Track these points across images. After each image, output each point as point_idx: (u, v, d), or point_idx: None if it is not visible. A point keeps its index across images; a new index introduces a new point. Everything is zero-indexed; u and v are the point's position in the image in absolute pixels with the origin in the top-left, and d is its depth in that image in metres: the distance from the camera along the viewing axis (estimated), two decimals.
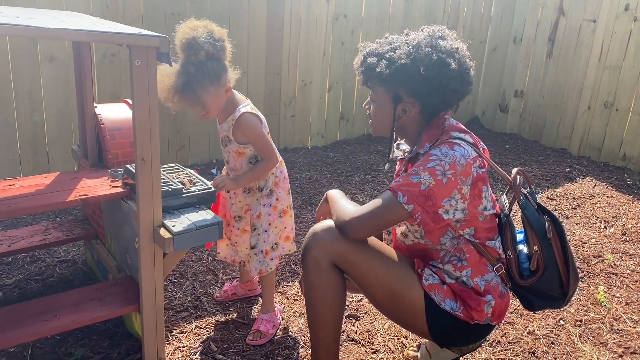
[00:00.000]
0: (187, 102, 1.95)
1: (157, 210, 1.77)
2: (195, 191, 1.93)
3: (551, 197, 3.86)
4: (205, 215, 1.86)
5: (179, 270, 2.60)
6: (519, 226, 1.71)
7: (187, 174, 2.08)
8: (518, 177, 1.66)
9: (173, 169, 2.13)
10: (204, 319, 2.24)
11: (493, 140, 5.29)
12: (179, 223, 1.79)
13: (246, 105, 2.02)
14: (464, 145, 1.57)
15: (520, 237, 1.71)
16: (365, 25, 4.79)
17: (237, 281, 2.43)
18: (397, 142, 1.88)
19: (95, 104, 2.29)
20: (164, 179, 1.96)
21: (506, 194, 1.74)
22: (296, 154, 4.45)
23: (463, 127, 1.69)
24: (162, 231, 1.76)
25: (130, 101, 2.40)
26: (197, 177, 2.04)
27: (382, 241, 1.87)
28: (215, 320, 2.23)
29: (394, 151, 1.82)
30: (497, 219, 1.69)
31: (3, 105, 3.25)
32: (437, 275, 1.65)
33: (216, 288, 2.47)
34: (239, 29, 4.05)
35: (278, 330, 2.19)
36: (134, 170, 2.01)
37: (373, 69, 1.63)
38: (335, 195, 1.78)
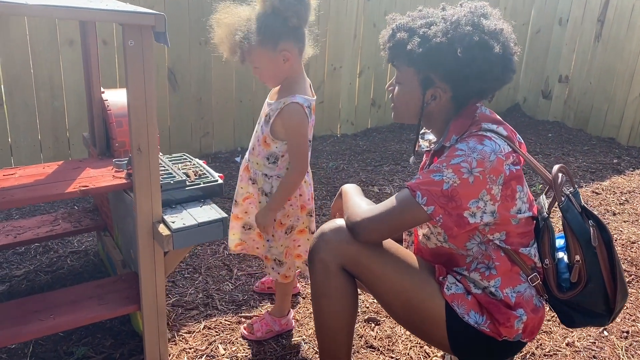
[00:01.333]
0: (243, 54, 1.75)
1: (156, 205, 1.64)
2: (200, 183, 1.78)
3: (596, 191, 3.58)
4: (209, 210, 1.71)
5: (192, 264, 2.48)
6: (559, 230, 1.50)
7: (194, 164, 1.94)
8: (560, 175, 1.45)
9: (180, 159, 1.99)
10: (214, 319, 2.10)
11: (534, 129, 4.99)
12: (180, 219, 1.65)
13: (307, 98, 1.77)
14: (496, 139, 1.37)
15: (560, 242, 1.50)
16: (399, 6, 4.55)
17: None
18: (422, 131, 1.69)
19: (102, 89, 2.17)
20: (167, 170, 1.82)
21: (546, 194, 1.53)
22: (324, 142, 4.28)
23: (497, 117, 1.48)
24: (161, 227, 1.62)
25: None
26: (204, 169, 1.90)
27: (402, 242, 1.69)
28: (226, 320, 2.10)
29: (419, 142, 1.63)
30: (533, 223, 1.48)
31: (23, 91, 3.18)
32: (461, 284, 1.46)
33: (230, 284, 2.33)
34: None
35: (292, 334, 2.04)
36: None
37: (403, 45, 1.44)
38: (350, 190, 1.60)
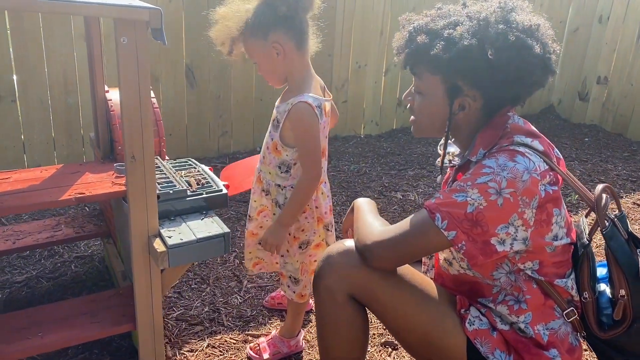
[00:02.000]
0: (234, 45, 1.64)
1: (152, 218, 1.50)
2: (202, 194, 1.64)
3: (638, 202, 3.33)
4: (210, 224, 1.57)
5: (200, 274, 2.34)
6: (601, 257, 1.31)
7: (198, 172, 1.80)
8: (604, 196, 1.27)
9: (184, 166, 1.86)
10: (219, 336, 1.97)
11: (570, 132, 4.73)
12: (177, 233, 1.51)
13: (318, 98, 1.62)
14: (530, 155, 1.19)
15: (602, 272, 1.31)
16: (429, 1, 4.34)
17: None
18: (441, 142, 1.52)
19: (107, 88, 2.05)
20: (168, 177, 1.68)
21: (587, 216, 1.35)
22: (346, 143, 4.11)
23: (532, 128, 1.30)
24: (157, 243, 1.48)
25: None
26: (209, 177, 1.76)
27: (421, 265, 1.52)
28: (232, 339, 1.96)
29: (443, 156, 1.45)
30: (571, 250, 1.30)
31: (36, 87, 3.10)
32: (485, 318, 1.29)
33: (238, 297, 2.19)
34: None
35: (301, 357, 1.89)
36: None
37: (425, 51, 1.26)
38: (362, 206, 1.44)
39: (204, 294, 2.22)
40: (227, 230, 1.53)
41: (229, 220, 2.85)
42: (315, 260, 1.80)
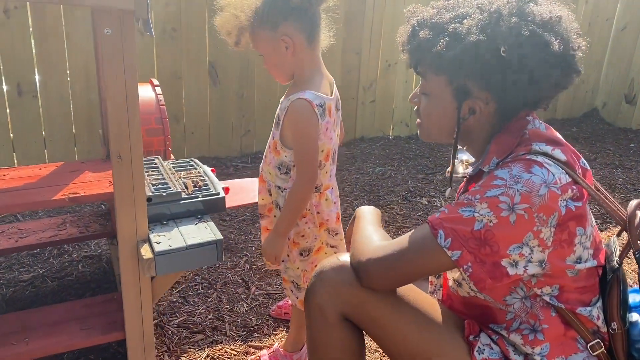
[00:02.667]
0: (242, 35, 1.53)
1: (140, 221, 1.41)
2: (198, 197, 1.54)
3: None
4: (203, 230, 1.46)
5: (208, 278, 2.25)
6: (634, 282, 1.15)
7: (198, 172, 1.70)
8: (638, 213, 1.10)
9: (185, 166, 1.76)
10: (220, 346, 1.87)
11: (614, 138, 4.45)
12: (167, 239, 1.42)
13: (320, 95, 1.49)
14: (549, 166, 1.04)
15: (635, 299, 1.15)
16: None
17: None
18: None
19: None
20: (164, 179, 1.59)
21: (618, 236, 1.18)
22: (373, 145, 3.96)
23: (555, 134, 1.15)
24: (144, 249, 1.39)
25: (156, 81, 2.07)
26: (208, 179, 1.66)
27: (428, 284, 1.38)
28: (233, 350, 1.85)
29: (452, 166, 1.31)
30: (598, 274, 1.13)
31: (58, 83, 3.07)
32: (497, 347, 1.14)
33: (245, 305, 2.09)
34: None
35: None
36: None
37: (428, 48, 1.11)
38: (364, 215, 1.31)
39: (209, 299, 2.12)
40: (220, 237, 1.43)
41: (244, 222, 2.75)
42: (316, 266, 1.68)
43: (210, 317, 2.02)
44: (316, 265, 1.64)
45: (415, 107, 1.23)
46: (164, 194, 1.49)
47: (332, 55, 3.76)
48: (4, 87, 2.98)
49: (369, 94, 4.01)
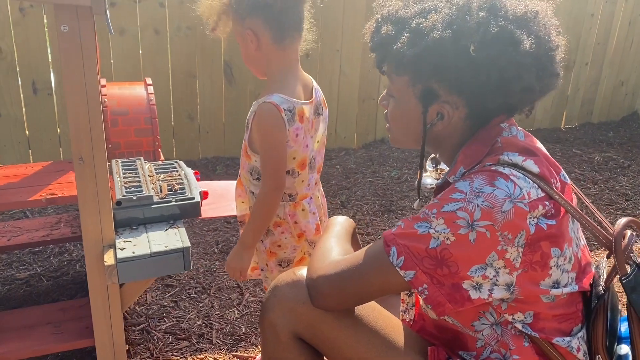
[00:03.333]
0: (220, 21, 1.47)
1: (106, 226, 1.36)
2: (171, 201, 1.48)
3: None
4: (172, 236, 1.40)
5: (202, 283, 2.20)
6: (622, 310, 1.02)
7: (179, 175, 1.64)
8: (628, 233, 0.98)
9: (167, 168, 1.70)
10: (203, 355, 1.80)
11: None
12: (132, 245, 1.36)
13: (289, 99, 1.39)
14: (516, 178, 0.92)
15: (625, 328, 1.02)
16: None
17: None
18: (431, 156, 1.26)
19: (104, 82, 1.93)
20: (139, 182, 1.54)
21: (609, 258, 1.06)
22: (392, 147, 3.84)
23: (531, 143, 1.03)
24: (107, 255, 1.34)
25: (149, 80, 2.02)
26: (187, 182, 1.59)
27: (400, 303, 1.27)
28: (216, 359, 1.79)
29: (425, 174, 1.20)
30: (581, 300, 1.01)
31: None
32: None
33: (236, 312, 2.02)
34: None
35: None
36: (113, 166, 1.63)
37: (388, 44, 1.02)
38: (332, 227, 1.22)
39: (201, 304, 2.07)
40: (187, 244, 1.36)
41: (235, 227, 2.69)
42: None
43: (198, 323, 1.96)
44: None
45: (385, 112, 1.13)
46: (135, 197, 1.43)
47: (352, 54, 3.66)
48: (20, 84, 3.02)
49: None
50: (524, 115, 1.07)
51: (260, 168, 1.43)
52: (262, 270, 1.60)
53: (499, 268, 0.91)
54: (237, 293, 2.15)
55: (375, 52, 1.07)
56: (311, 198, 1.54)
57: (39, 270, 2.25)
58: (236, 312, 2.03)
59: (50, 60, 3.04)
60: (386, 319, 1.07)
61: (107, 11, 1.18)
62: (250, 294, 2.14)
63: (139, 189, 1.48)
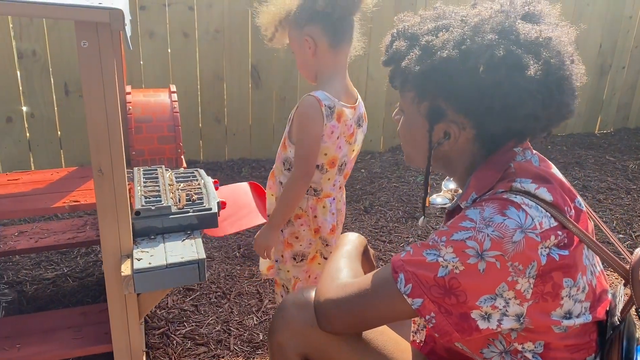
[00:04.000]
0: (277, 32, 1.60)
1: (124, 235, 1.38)
2: (189, 211, 1.49)
3: None
4: (188, 248, 1.42)
5: (223, 287, 2.22)
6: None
7: (198, 184, 1.65)
8: None
9: (188, 177, 1.72)
10: None
11: None
12: (149, 256, 1.38)
13: (331, 97, 1.50)
14: (529, 208, 0.90)
15: (638, 357, 0.99)
16: None
17: None
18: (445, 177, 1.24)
19: (129, 89, 1.97)
20: (158, 191, 1.56)
21: (626, 286, 1.02)
22: None
23: (546, 170, 1.00)
24: (125, 265, 1.36)
25: (174, 88, 2.05)
26: (206, 192, 1.61)
27: (412, 324, 1.26)
28: None
29: (432, 195, 1.19)
30: (595, 329, 0.98)
31: None
32: None
33: (254, 318, 2.04)
34: None
35: None
36: (135, 174, 1.65)
37: (398, 59, 1.02)
38: (343, 244, 1.21)
39: (220, 310, 2.09)
40: (202, 256, 1.37)
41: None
42: (309, 276, 1.69)
43: (217, 329, 1.98)
44: (309, 275, 1.66)
45: (398, 128, 1.13)
46: (153, 207, 1.45)
47: (379, 56, 3.62)
48: (52, 86, 3.09)
49: None
50: (542, 138, 1.05)
51: (295, 153, 1.53)
52: (276, 261, 1.67)
53: (509, 299, 0.89)
54: (256, 299, 2.16)
55: (387, 66, 1.07)
56: (334, 199, 1.62)
57: (65, 271, 2.30)
58: (255, 318, 2.04)
59: None
60: (395, 343, 1.06)
61: (127, 27, 1.20)
62: (269, 300, 2.15)
63: (158, 198, 1.50)
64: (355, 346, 1.03)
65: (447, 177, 1.28)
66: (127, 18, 1.20)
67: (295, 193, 1.55)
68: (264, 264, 1.77)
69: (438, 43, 0.95)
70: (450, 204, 1.09)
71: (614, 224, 2.85)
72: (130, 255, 1.39)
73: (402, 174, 3.41)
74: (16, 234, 2.08)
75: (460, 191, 1.18)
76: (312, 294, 1.07)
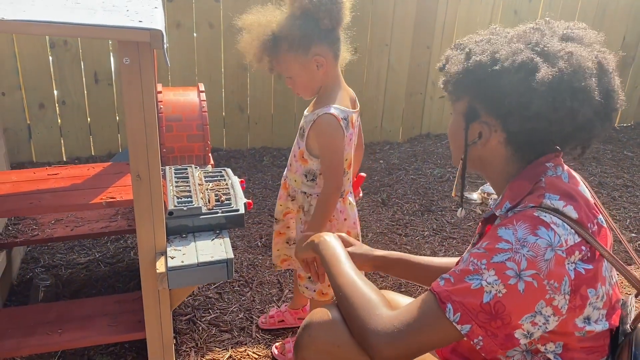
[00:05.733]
0: (272, 61, 1.63)
1: (158, 235, 1.49)
2: (218, 212, 1.60)
3: None
4: (217, 247, 1.52)
5: (245, 276, 2.34)
6: None
7: (226, 185, 1.76)
8: None
9: (215, 176, 1.82)
10: (243, 348, 1.94)
11: None
12: (182, 254, 1.49)
13: (344, 109, 1.61)
14: (557, 227, 0.98)
15: None
16: None
17: (286, 306, 2.09)
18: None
19: (160, 88, 2.06)
20: (189, 192, 1.66)
21: (637, 297, 1.12)
22: (438, 142, 3.87)
23: (573, 187, 1.07)
24: (159, 262, 1.47)
25: (202, 87, 2.14)
26: (233, 193, 1.71)
27: None
28: (255, 353, 1.93)
29: (468, 195, 1.27)
30: (609, 334, 1.08)
31: None
32: None
33: (276, 307, 2.15)
34: None
35: None
36: (167, 173, 1.76)
37: (445, 63, 1.15)
38: (338, 254, 1.25)
39: (243, 298, 2.21)
40: (231, 256, 1.48)
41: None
42: None
43: (240, 317, 2.10)
44: None
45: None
46: (185, 208, 1.56)
47: (402, 49, 3.68)
48: (83, 75, 3.20)
49: (438, 90, 3.90)
50: (573, 158, 1.14)
51: (322, 171, 1.65)
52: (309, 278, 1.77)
53: (548, 316, 0.97)
54: (277, 289, 2.28)
55: (441, 71, 1.17)
56: (351, 192, 1.77)
57: (97, 256, 2.44)
58: (275, 307, 2.16)
59: (111, 52, 3.21)
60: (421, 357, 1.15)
61: (166, 46, 1.28)
62: (290, 290, 2.26)
63: (189, 199, 1.61)
64: None
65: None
66: (165, 37, 1.29)
67: (332, 204, 1.67)
68: (277, 257, 1.91)
69: (478, 50, 1.05)
70: (485, 214, 1.17)
71: (627, 222, 2.90)
72: (164, 253, 1.50)
73: (420, 166, 3.48)
74: (52, 222, 2.20)
75: (493, 195, 1.27)
76: (336, 313, 1.14)
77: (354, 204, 1.79)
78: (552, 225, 0.98)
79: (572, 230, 0.99)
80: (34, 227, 2.16)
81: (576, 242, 0.98)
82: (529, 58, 1.00)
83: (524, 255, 0.96)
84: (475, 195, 1.35)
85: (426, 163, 3.53)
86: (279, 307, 2.15)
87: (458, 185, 1.24)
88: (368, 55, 3.59)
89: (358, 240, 1.76)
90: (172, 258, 1.46)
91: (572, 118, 1.03)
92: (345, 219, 1.74)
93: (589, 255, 0.99)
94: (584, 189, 1.11)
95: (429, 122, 3.99)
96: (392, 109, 3.85)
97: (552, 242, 0.96)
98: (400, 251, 2.54)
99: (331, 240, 1.30)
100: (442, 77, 1.17)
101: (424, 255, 2.52)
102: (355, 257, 1.32)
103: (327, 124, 1.58)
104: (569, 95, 1.01)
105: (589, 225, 1.03)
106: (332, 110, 1.57)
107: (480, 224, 1.27)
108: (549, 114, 1.01)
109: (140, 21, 1.29)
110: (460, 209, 1.32)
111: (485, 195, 1.35)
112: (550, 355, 1.05)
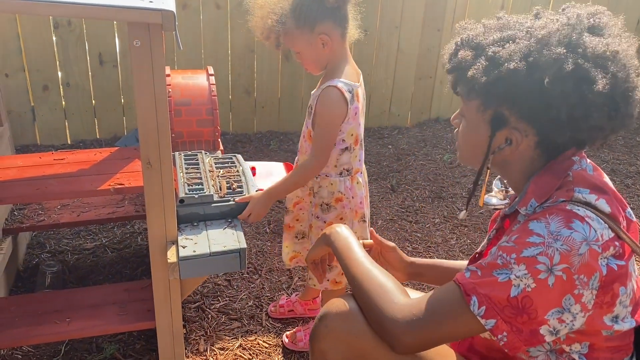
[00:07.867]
0: (278, 38, 1.62)
1: (169, 223, 1.45)
2: (229, 200, 1.56)
3: None
4: (230, 236, 1.48)
5: (254, 263, 2.30)
6: None
7: (237, 172, 1.71)
8: None
9: (226, 163, 1.78)
10: (253, 337, 1.92)
11: None
12: (193, 243, 1.45)
13: (349, 83, 1.59)
14: (592, 221, 0.93)
15: None
16: None
17: (296, 295, 2.06)
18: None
19: (168, 72, 2.01)
20: (200, 179, 1.62)
21: None
22: (448, 127, 3.80)
23: (600, 179, 1.03)
24: (170, 252, 1.44)
25: (211, 70, 2.08)
26: (245, 179, 1.66)
27: None
28: (265, 342, 1.90)
29: (485, 192, 1.21)
30: (633, 332, 1.04)
31: None
32: None
33: (285, 295, 2.12)
34: None
35: None
36: (176, 159, 1.72)
37: (464, 69, 1.03)
38: (351, 246, 1.20)
39: (252, 285, 2.18)
40: (244, 246, 1.44)
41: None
42: None
43: (249, 304, 2.07)
44: None
45: (455, 130, 1.16)
46: (196, 196, 1.52)
47: (412, 31, 3.61)
48: (87, 56, 3.14)
49: None
50: (594, 148, 1.08)
51: (312, 142, 1.62)
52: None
53: (577, 313, 0.93)
54: (286, 276, 2.24)
55: (451, 74, 1.08)
56: (361, 173, 1.73)
57: (104, 242, 2.41)
58: (285, 295, 2.13)
59: (116, 33, 3.14)
60: (437, 348, 1.12)
61: (177, 28, 1.23)
62: (299, 278, 2.23)
63: (200, 186, 1.56)
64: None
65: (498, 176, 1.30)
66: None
67: (307, 177, 1.65)
68: (286, 255, 1.86)
69: (505, 54, 0.97)
70: (507, 208, 1.12)
71: None
72: (175, 242, 1.46)
73: (429, 152, 3.43)
74: (59, 207, 2.17)
75: (511, 191, 1.21)
76: (353, 303, 1.12)
77: (364, 182, 1.75)
78: (586, 219, 0.94)
79: (606, 225, 0.95)
80: (40, 212, 2.12)
81: (610, 237, 0.94)
82: (578, 65, 0.93)
83: (557, 249, 0.91)
84: (494, 200, 1.29)
85: (436, 148, 3.48)
86: (289, 295, 2.12)
87: (479, 192, 1.19)
88: (377, 38, 3.52)
89: (366, 222, 1.75)
90: (183, 247, 1.43)
91: (622, 121, 0.99)
92: (353, 197, 1.70)
93: (620, 251, 0.95)
94: (609, 180, 1.07)
95: (439, 107, 3.93)
96: (401, 93, 3.78)
97: (588, 236, 0.92)
98: (410, 238, 2.51)
99: (342, 231, 1.26)
100: (452, 78, 1.10)
101: (435, 242, 2.49)
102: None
103: (330, 95, 1.57)
104: (622, 101, 0.97)
105: (620, 219, 0.99)
106: (336, 83, 1.56)
107: (496, 218, 1.22)
108: (604, 123, 0.97)
109: (150, 1, 1.24)
110: (464, 211, 1.28)
111: (505, 192, 1.29)
112: (575, 356, 1.01)
